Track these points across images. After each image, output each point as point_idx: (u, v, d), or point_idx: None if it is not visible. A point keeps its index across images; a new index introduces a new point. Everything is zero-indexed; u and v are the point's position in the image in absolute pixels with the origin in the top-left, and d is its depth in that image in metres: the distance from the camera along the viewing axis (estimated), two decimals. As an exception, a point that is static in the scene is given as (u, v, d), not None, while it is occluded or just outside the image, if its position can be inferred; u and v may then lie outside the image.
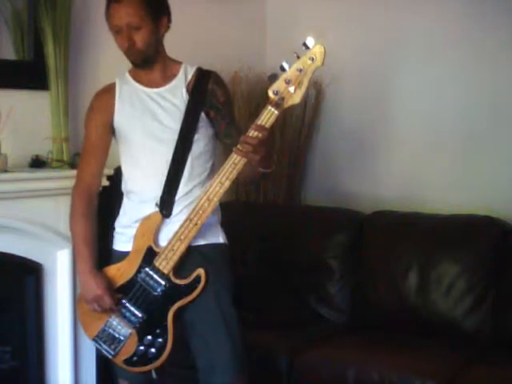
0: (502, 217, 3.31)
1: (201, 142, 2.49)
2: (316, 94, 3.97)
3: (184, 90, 2.49)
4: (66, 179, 3.09)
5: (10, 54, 3.16)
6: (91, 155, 2.58)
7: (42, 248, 3.15)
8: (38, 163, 3.14)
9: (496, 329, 3.15)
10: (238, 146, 2.27)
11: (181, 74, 2.52)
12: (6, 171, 2.96)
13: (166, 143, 2.46)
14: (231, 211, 3.32)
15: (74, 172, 3.11)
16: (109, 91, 2.55)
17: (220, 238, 2.55)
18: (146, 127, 2.47)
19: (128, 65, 2.54)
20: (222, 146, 2.60)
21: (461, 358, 2.99)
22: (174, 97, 2.49)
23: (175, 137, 2.46)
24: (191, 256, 2.44)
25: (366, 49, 3.87)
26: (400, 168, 3.86)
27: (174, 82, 2.51)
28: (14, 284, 3.13)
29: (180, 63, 2.56)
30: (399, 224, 3.47)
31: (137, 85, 2.52)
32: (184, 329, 2.50)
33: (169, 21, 2.49)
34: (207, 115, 2.50)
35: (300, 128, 4.00)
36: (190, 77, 2.52)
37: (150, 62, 2.48)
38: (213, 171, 2.54)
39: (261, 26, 4.28)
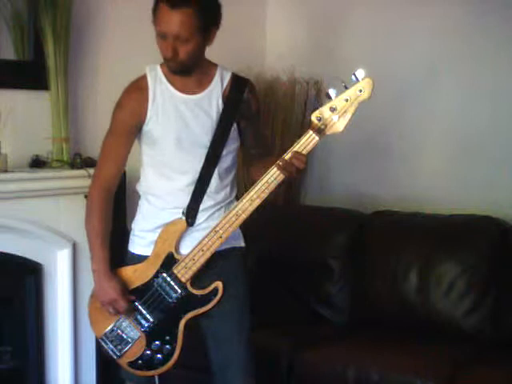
0: (502, 217, 3.31)
1: (230, 154, 2.45)
2: (316, 94, 3.96)
3: (220, 100, 2.41)
4: (66, 179, 3.09)
5: (10, 54, 3.16)
6: (114, 154, 2.46)
7: (42, 248, 3.15)
8: (38, 163, 3.14)
9: (496, 329, 3.15)
10: (280, 163, 2.26)
11: (216, 80, 2.43)
12: (6, 171, 2.96)
13: (196, 153, 2.40)
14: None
15: (74, 172, 3.13)
16: (141, 91, 2.40)
17: (241, 241, 2.55)
18: (178, 136, 2.38)
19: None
20: (245, 157, 2.57)
21: (461, 357, 2.99)
22: (209, 105, 2.40)
23: (206, 148, 2.39)
24: (212, 260, 2.40)
25: (367, 48, 3.87)
26: (400, 168, 3.86)
27: (209, 89, 2.41)
28: (14, 284, 3.13)
29: (215, 66, 2.46)
30: (399, 224, 3.47)
31: (172, 88, 2.40)
32: (196, 329, 2.48)
33: (218, 28, 2.38)
34: (237, 125, 2.45)
35: (300, 128, 4.00)
36: (225, 83, 2.43)
37: (189, 72, 2.38)
38: (234, 182, 2.52)
39: (261, 26, 4.28)
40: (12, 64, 3.16)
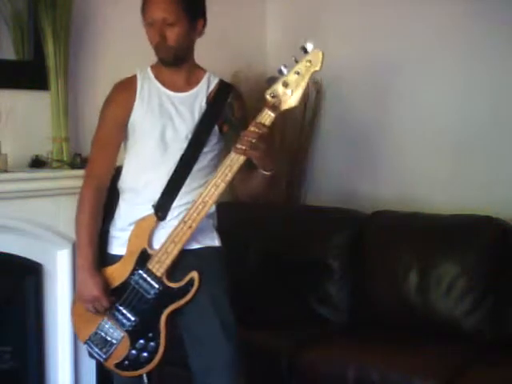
0: (502, 217, 3.30)
1: (208, 155, 2.46)
2: (316, 94, 3.97)
3: (204, 100, 2.46)
4: (66, 179, 3.09)
5: (10, 54, 3.16)
6: (105, 150, 2.50)
7: (42, 248, 3.15)
8: (38, 163, 3.14)
9: (496, 329, 3.15)
10: (237, 145, 2.28)
11: (203, 82, 2.49)
12: (5, 171, 2.96)
13: (175, 150, 2.43)
14: (231, 211, 3.32)
15: (74, 172, 3.13)
16: (130, 86, 2.47)
17: (216, 242, 2.53)
18: (160, 131, 2.42)
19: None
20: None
21: (461, 357, 2.99)
22: (193, 105, 2.45)
23: (185, 145, 2.42)
24: (186, 258, 2.41)
25: (366, 49, 3.87)
26: (400, 168, 3.86)
27: (196, 89, 2.48)
28: (14, 284, 3.13)
29: (204, 71, 2.52)
30: (399, 224, 3.47)
31: (159, 85, 2.47)
32: (180, 331, 2.48)
33: (204, 25, 2.45)
34: (220, 129, 2.47)
35: (300, 128, 4.00)
36: (212, 87, 2.49)
37: (179, 61, 2.43)
38: None
39: (261, 26, 4.28)
40: (12, 64, 3.16)
